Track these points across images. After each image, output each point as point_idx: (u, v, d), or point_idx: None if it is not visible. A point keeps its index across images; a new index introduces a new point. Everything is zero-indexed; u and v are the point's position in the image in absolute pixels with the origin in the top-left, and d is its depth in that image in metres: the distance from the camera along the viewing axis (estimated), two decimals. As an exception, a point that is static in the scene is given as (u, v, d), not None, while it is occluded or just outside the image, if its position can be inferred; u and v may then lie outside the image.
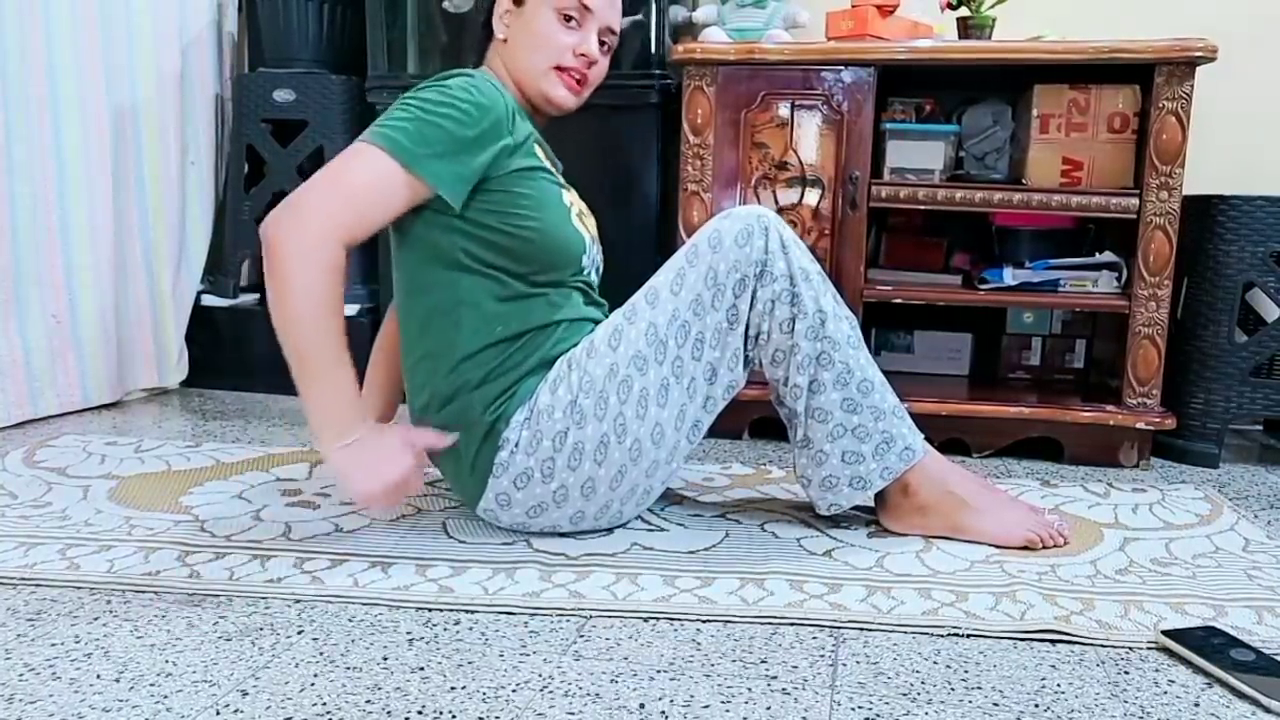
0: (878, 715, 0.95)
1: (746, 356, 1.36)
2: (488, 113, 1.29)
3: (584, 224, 1.42)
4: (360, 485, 1.22)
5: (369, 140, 1.26)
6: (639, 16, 2.14)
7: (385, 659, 1.04)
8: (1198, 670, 1.05)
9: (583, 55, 1.40)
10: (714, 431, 1.65)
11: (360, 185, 1.24)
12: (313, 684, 0.99)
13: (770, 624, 1.14)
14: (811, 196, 1.96)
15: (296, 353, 1.21)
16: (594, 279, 1.47)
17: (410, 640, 1.09)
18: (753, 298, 1.32)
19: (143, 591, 1.20)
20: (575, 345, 1.36)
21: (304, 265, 1.19)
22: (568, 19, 1.39)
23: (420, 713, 0.93)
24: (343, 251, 1.22)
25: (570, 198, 1.42)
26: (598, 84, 1.47)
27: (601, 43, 1.43)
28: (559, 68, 1.39)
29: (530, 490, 1.33)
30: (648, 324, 1.32)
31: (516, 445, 1.32)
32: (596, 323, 1.42)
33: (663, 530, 1.43)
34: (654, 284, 1.36)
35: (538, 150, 1.39)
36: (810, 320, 1.33)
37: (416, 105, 1.28)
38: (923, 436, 1.40)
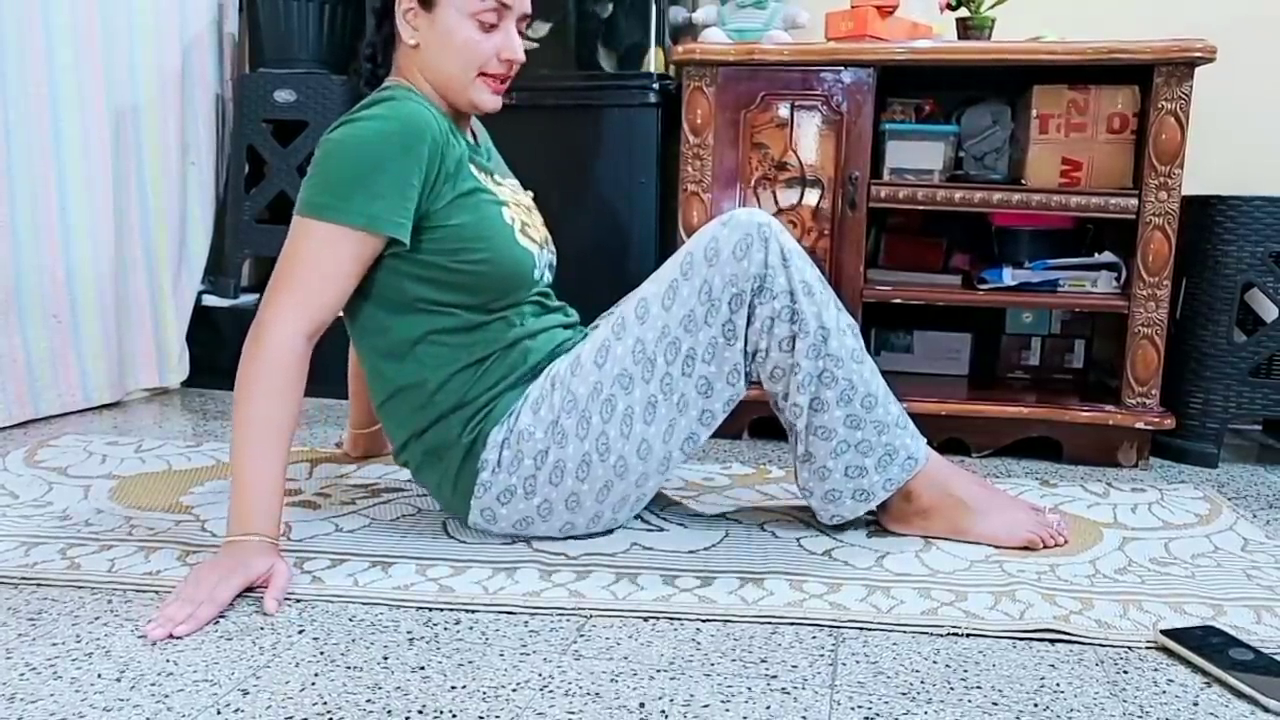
0: (877, 715, 0.95)
1: (747, 371, 1.33)
2: (409, 140, 1.24)
3: (529, 235, 1.37)
4: (191, 589, 1.13)
5: (301, 213, 1.24)
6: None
7: (385, 659, 1.04)
8: (1196, 670, 1.05)
9: (508, 60, 1.34)
10: (714, 432, 1.64)
11: (310, 269, 1.23)
12: (313, 683, 0.99)
13: (770, 624, 1.15)
14: (811, 197, 1.96)
15: (233, 450, 1.21)
16: (546, 280, 1.43)
17: (410, 640, 1.09)
18: (750, 313, 1.29)
19: (144, 591, 1.21)
20: (548, 355, 1.35)
21: (252, 384, 1.20)
22: (485, 23, 1.31)
23: (420, 712, 0.94)
24: (301, 348, 1.21)
25: (512, 214, 1.35)
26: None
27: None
28: (484, 74, 1.33)
29: (514, 506, 1.33)
30: (635, 340, 1.29)
31: (498, 464, 1.31)
32: (564, 327, 1.41)
33: (663, 530, 1.43)
34: (644, 295, 1.32)
35: (473, 170, 1.34)
36: (812, 338, 1.29)
37: (335, 155, 1.24)
38: (925, 441, 1.40)
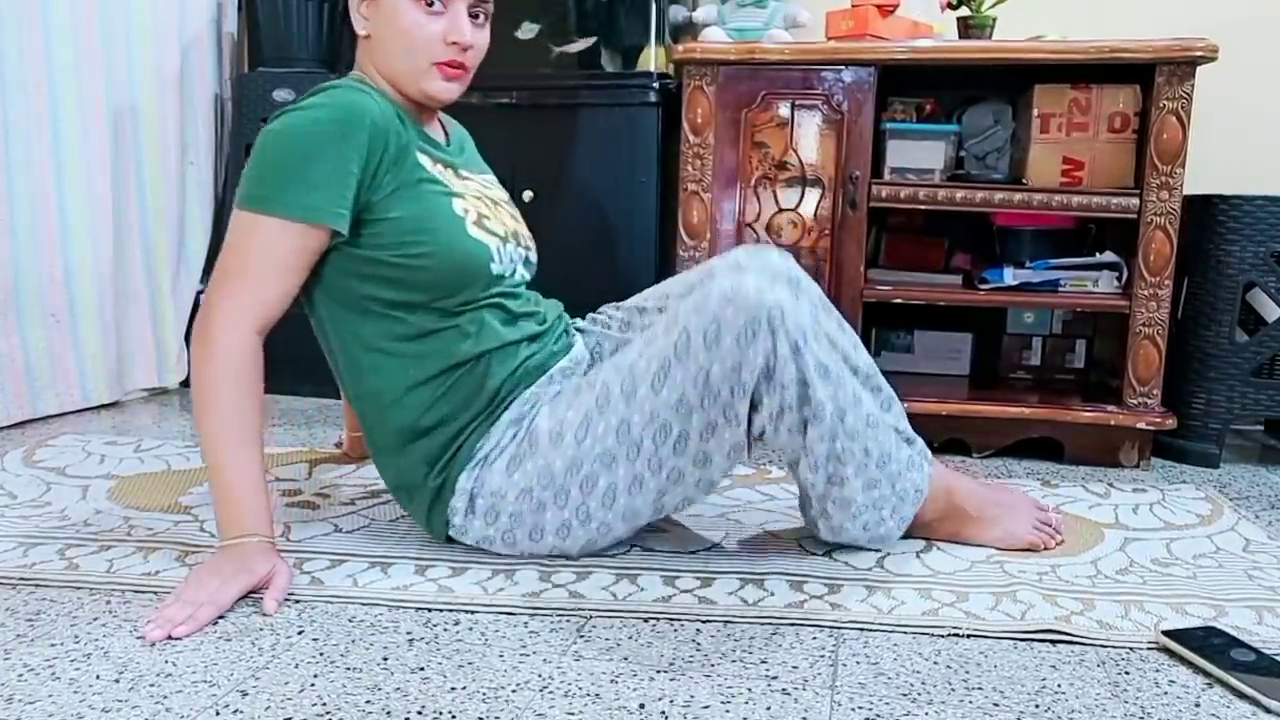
0: (878, 715, 0.95)
1: (750, 444, 1.24)
2: (347, 127, 1.19)
3: (487, 228, 1.29)
4: (192, 590, 1.13)
5: (239, 206, 1.21)
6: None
7: (385, 659, 1.04)
8: (1198, 670, 1.04)
9: (455, 43, 1.26)
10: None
11: (253, 264, 1.19)
12: (312, 684, 0.99)
13: (770, 624, 1.14)
14: (812, 196, 1.96)
15: (207, 456, 1.19)
16: (519, 277, 1.35)
17: (410, 640, 1.09)
18: (755, 402, 1.18)
19: (142, 592, 1.20)
20: (508, 378, 1.27)
21: (213, 386, 1.17)
22: (429, 2, 1.25)
23: (420, 713, 0.93)
24: (253, 344, 1.19)
25: (465, 205, 1.28)
26: (479, 61, 1.33)
27: (474, 15, 1.28)
28: (433, 62, 1.27)
29: (494, 551, 1.30)
30: (620, 420, 1.20)
31: (470, 512, 1.27)
32: (530, 339, 1.31)
33: (663, 530, 1.43)
34: (633, 367, 1.21)
35: (421, 157, 1.27)
36: (828, 423, 1.18)
37: (272, 146, 1.21)
38: (928, 457, 1.37)
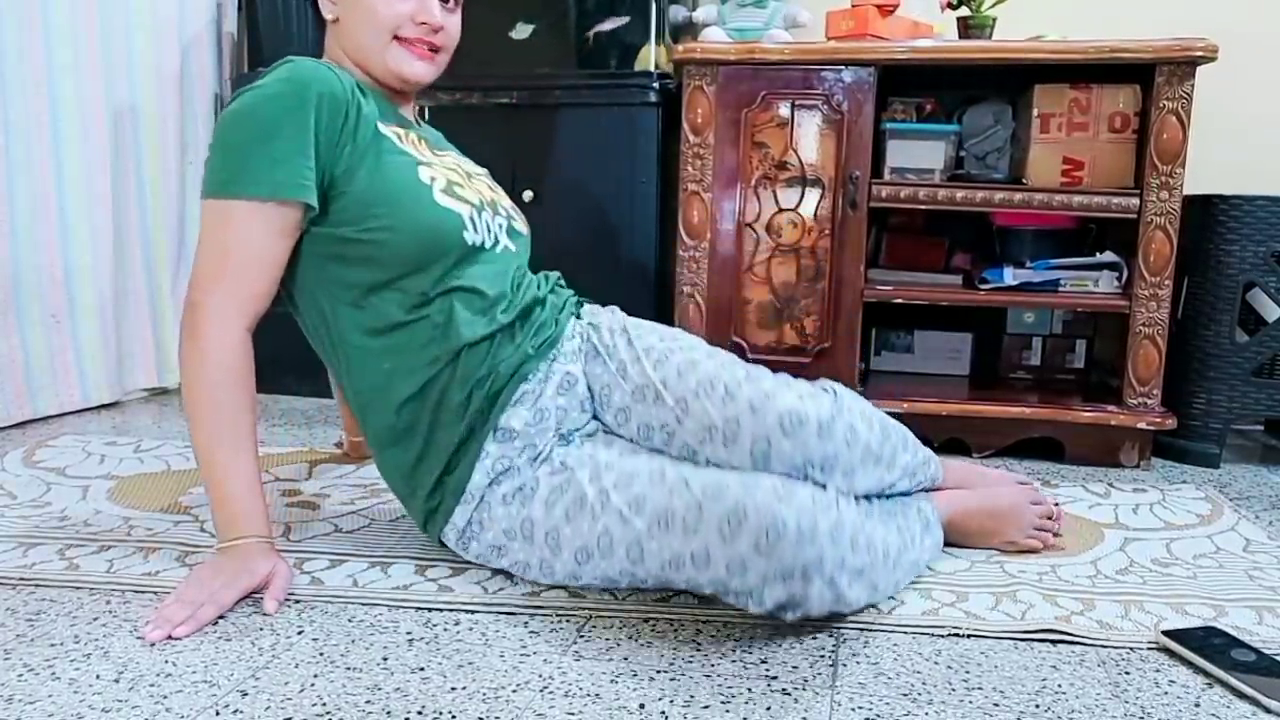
0: (878, 715, 0.95)
1: None
2: (300, 97, 1.16)
3: (458, 195, 1.24)
4: (193, 590, 1.12)
5: (205, 194, 1.18)
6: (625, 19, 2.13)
7: (385, 659, 1.04)
8: (1198, 670, 1.04)
9: (424, 24, 1.25)
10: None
11: (233, 255, 1.16)
12: (312, 684, 0.98)
13: (771, 624, 1.14)
14: (812, 196, 1.96)
15: (202, 457, 1.17)
16: (503, 248, 1.28)
17: (410, 640, 1.09)
18: (777, 606, 1.08)
19: (142, 592, 1.20)
20: (470, 387, 1.20)
21: (206, 387, 1.15)
22: None
23: (420, 713, 0.93)
24: (244, 340, 1.17)
25: (432, 173, 1.24)
26: (454, 45, 1.32)
27: None
28: (399, 38, 1.25)
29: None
30: (623, 568, 1.15)
31: (465, 548, 1.24)
32: (502, 331, 1.23)
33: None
34: (641, 540, 1.12)
35: (385, 129, 1.24)
36: (861, 606, 1.14)
37: (229, 128, 1.18)
38: (937, 475, 1.36)
